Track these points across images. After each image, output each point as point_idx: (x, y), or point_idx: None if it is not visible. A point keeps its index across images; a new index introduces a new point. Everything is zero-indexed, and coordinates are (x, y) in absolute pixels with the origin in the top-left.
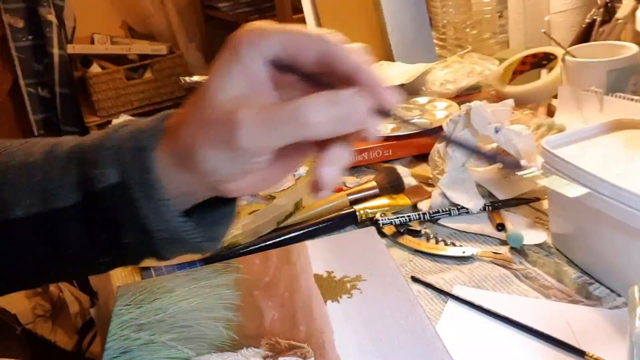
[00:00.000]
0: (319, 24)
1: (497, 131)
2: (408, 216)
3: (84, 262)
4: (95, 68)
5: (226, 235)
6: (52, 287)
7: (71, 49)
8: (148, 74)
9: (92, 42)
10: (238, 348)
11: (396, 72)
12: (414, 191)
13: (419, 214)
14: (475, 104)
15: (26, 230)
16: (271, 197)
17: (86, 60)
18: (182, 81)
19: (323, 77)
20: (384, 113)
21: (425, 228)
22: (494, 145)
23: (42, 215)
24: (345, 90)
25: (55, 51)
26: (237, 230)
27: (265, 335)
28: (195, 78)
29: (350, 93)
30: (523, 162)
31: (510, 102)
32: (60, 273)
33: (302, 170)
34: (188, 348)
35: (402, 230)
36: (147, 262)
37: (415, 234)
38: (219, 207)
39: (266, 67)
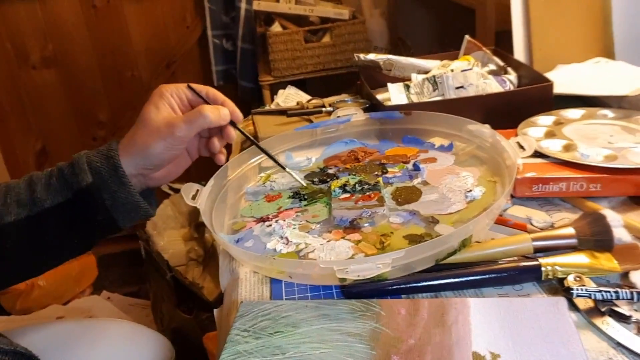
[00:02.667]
0: (526, 5)
1: None
2: (615, 291)
3: (63, 248)
4: (276, 27)
5: (155, 205)
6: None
7: (257, 5)
8: (327, 38)
9: (277, 0)
10: None
11: (617, 76)
12: (626, 252)
13: (631, 292)
14: None
15: (17, 232)
16: (433, 220)
17: (269, 18)
18: (357, 58)
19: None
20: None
21: (637, 311)
22: None
23: (31, 217)
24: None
25: (243, 5)
26: (384, 267)
27: None
28: (371, 56)
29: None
30: None
31: None
32: (43, 263)
33: (478, 192)
34: None
35: (602, 309)
36: (279, 276)
37: (622, 318)
38: (148, 192)
39: (179, 99)
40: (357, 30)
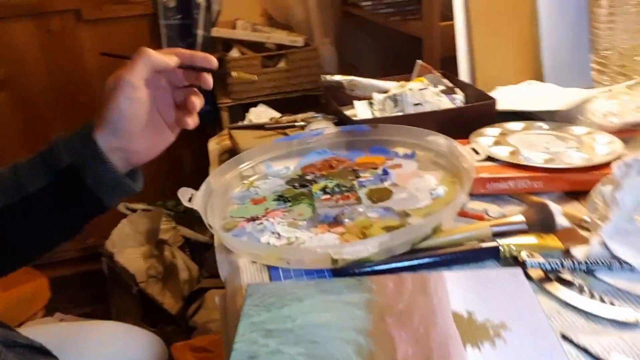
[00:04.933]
0: (469, 32)
1: None
2: (560, 262)
3: (51, 232)
4: (234, 52)
5: (141, 181)
6: (167, 252)
7: (215, 32)
8: (282, 64)
9: (235, 28)
10: None
11: (548, 95)
12: (566, 234)
13: (573, 262)
14: None
15: (3, 219)
16: (405, 214)
17: (227, 44)
18: (323, 79)
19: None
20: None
21: (577, 278)
22: None
23: (16, 204)
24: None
25: (200, 32)
26: (373, 248)
27: None
28: (337, 77)
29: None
30: None
31: None
32: (34, 249)
33: (441, 190)
34: None
35: (551, 277)
36: (275, 263)
37: (567, 284)
38: (133, 171)
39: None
40: (311, 57)
